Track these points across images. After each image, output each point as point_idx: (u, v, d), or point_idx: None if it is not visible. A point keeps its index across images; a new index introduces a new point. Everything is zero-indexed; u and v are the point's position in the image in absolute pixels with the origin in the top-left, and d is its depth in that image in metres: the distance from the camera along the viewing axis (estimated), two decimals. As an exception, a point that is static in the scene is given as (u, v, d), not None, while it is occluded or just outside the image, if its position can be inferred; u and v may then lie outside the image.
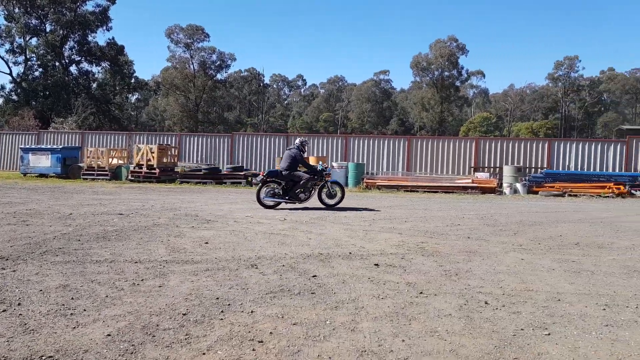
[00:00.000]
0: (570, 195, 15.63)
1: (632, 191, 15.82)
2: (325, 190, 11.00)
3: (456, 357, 3.02)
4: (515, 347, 3.19)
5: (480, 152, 19.00)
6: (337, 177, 18.09)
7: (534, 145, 18.75)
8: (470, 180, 16.92)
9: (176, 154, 20.21)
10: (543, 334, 3.44)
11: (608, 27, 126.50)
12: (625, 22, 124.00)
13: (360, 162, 19.58)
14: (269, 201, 10.60)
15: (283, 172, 10.61)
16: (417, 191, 16.45)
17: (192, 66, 60.98)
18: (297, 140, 11.25)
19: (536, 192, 16.07)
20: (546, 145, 18.55)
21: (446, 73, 65.59)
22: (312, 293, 4.26)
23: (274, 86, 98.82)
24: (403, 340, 3.26)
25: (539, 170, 17.92)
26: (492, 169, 18.68)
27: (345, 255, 5.87)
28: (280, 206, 10.75)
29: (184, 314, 3.66)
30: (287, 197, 10.59)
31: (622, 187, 15.79)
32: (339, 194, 11.03)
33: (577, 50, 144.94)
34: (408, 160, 19.55)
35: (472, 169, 18.85)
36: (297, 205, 10.91)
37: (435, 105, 65.25)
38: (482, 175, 17.81)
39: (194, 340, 3.19)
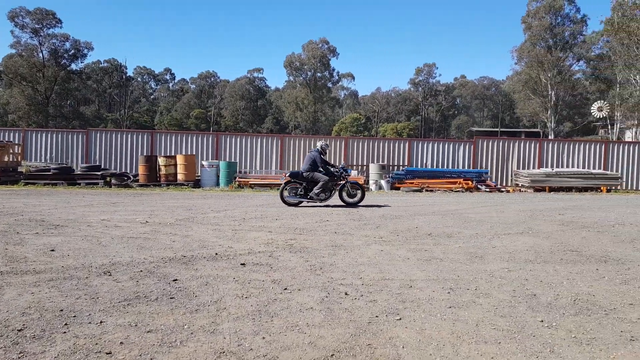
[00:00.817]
0: (427, 190, 17.04)
1: (479, 186, 17.74)
2: (345, 190, 11.79)
3: (314, 349, 3.08)
4: (370, 334, 3.35)
5: (350, 151, 19.87)
6: (207, 177, 17.63)
7: (397, 144, 20.10)
8: (338, 178, 17.60)
9: (20, 152, 18.07)
10: (395, 319, 3.65)
11: (461, 39, 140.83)
12: (475, 34, 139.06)
13: (233, 160, 19.31)
14: (292, 200, 11.42)
15: (304, 174, 11.35)
16: (289, 189, 16.67)
17: (41, 54, 54.94)
18: (318, 144, 11.91)
19: (398, 188, 17.26)
20: (407, 144, 20.00)
21: (319, 74, 67.61)
22: (171, 298, 4.05)
23: (139, 79, 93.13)
24: (263, 338, 3.23)
25: (401, 167, 19.26)
26: (360, 166, 19.65)
27: (211, 256, 5.70)
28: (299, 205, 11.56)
29: (20, 330, 3.25)
30: (308, 197, 11.31)
31: (470, 182, 17.63)
32: (358, 194, 11.80)
33: (435, 58, 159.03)
34: (281, 158, 19.74)
35: (341, 167, 19.66)
36: (318, 203, 11.57)
37: (309, 105, 66.91)
38: (351, 173, 18.62)
39: (30, 358, 2.84)
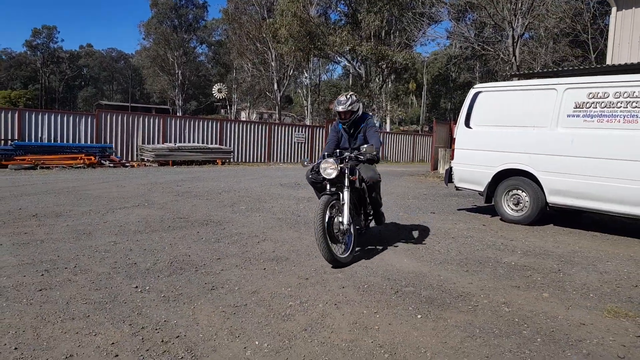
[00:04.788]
0: (42, 167, 15.29)
1: (102, 161, 17.09)
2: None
3: None
4: None
5: None
6: None
7: (2, 115, 17.15)
8: None
9: None
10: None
11: (85, 4, 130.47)
12: (101, 2, 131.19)
13: None
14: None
15: None
16: None
17: None
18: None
19: (5, 166, 14.84)
20: (16, 115, 17.31)
21: None
22: None
23: None
24: None
25: (9, 142, 16.59)
26: (-51, 141, 15.87)
27: None
28: None
29: None
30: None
31: (93, 157, 16.78)
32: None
33: (55, 21, 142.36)
34: None
35: None
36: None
37: None
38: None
39: None
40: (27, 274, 4.11)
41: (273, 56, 37.19)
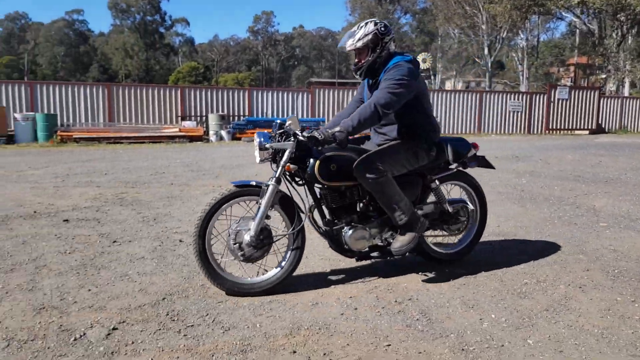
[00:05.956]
0: (268, 139, 17.29)
1: (316, 134, 18.55)
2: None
3: (145, 295, 3.04)
4: (204, 275, 3.39)
5: (186, 101, 19.06)
6: (22, 131, 15.54)
7: (236, 94, 19.84)
8: (177, 129, 16.92)
9: None
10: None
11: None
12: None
13: (52, 112, 17.19)
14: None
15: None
16: (122, 143, 15.54)
17: None
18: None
19: (239, 138, 17.21)
20: (246, 94, 19.86)
21: (149, 18, 62.69)
22: (-23, 261, 3.59)
23: None
24: (89, 290, 3.08)
25: (242, 117, 19.16)
26: (198, 117, 19.04)
27: (29, 214, 5.14)
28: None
29: None
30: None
31: (308, 130, 18.32)
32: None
33: (272, 6, 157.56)
34: (109, 110, 18.08)
35: (179, 117, 18.82)
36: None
37: (140, 52, 62.01)
38: (188, 124, 18.01)
39: None
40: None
41: (484, 19, 34.70)
